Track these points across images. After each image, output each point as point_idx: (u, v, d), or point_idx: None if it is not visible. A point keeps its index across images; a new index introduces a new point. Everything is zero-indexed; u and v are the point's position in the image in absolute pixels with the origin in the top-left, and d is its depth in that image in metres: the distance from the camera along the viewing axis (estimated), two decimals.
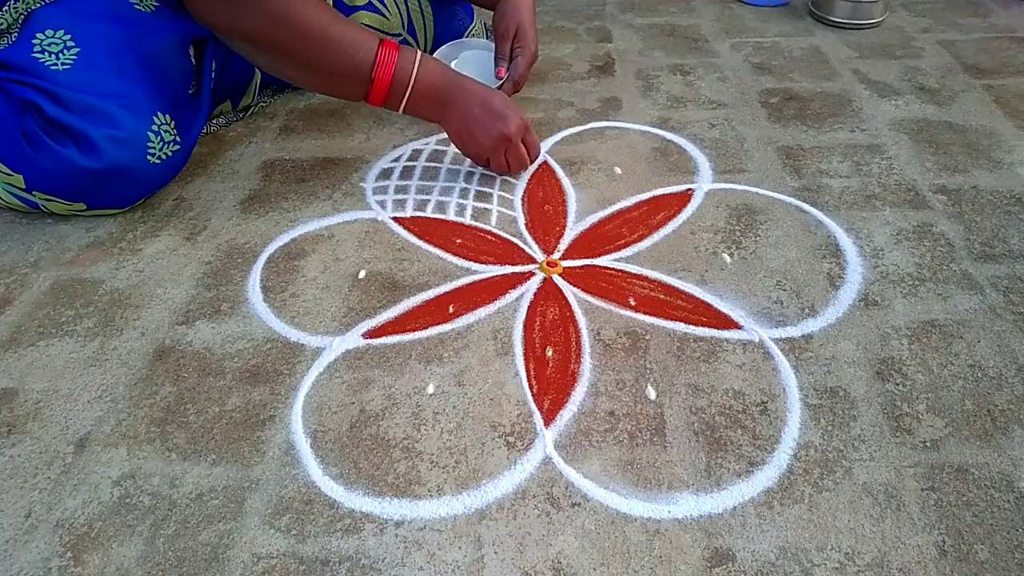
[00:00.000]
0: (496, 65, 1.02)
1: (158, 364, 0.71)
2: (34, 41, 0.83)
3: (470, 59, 1.06)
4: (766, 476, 0.59)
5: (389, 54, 0.82)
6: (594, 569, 0.54)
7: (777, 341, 0.71)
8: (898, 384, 0.66)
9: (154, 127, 0.86)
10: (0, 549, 0.56)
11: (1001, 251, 0.81)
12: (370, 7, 1.12)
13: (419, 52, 0.85)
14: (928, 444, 0.61)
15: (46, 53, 0.83)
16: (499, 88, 0.98)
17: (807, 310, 0.74)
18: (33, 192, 0.85)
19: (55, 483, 0.61)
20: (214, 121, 1.06)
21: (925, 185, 0.91)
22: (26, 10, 0.84)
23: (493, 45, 1.04)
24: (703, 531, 0.56)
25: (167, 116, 0.87)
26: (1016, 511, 0.56)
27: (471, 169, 0.97)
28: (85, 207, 0.88)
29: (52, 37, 0.83)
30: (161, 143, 0.87)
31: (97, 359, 0.72)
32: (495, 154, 0.88)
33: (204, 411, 0.67)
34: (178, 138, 0.89)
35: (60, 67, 0.82)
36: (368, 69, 0.82)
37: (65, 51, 0.83)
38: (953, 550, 0.54)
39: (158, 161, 0.87)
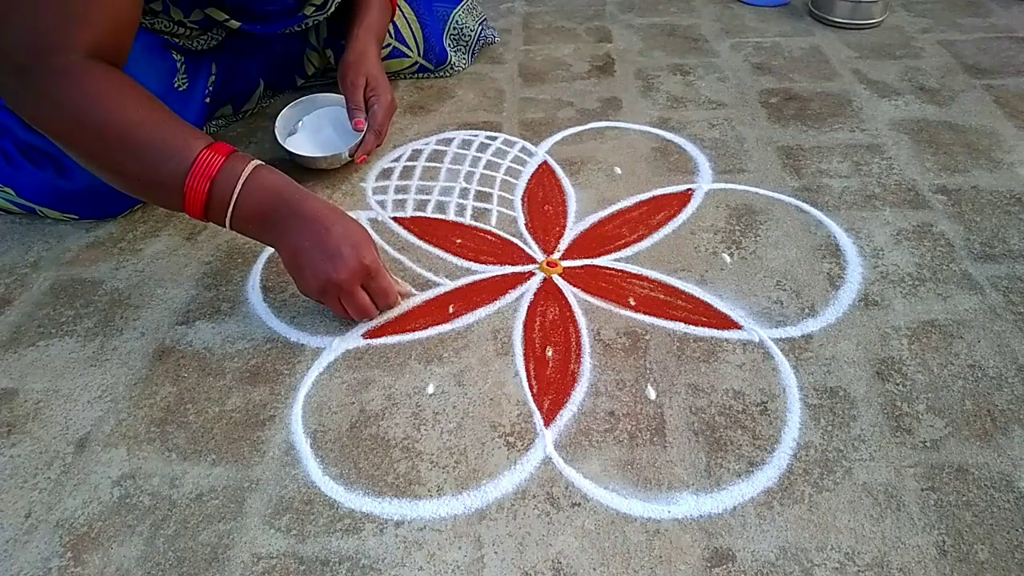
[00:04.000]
0: (352, 117, 0.93)
1: (158, 364, 0.71)
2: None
3: (324, 116, 0.99)
4: (766, 476, 0.59)
5: (210, 164, 0.66)
6: (594, 569, 0.54)
7: (777, 341, 0.71)
8: (898, 384, 0.66)
9: None
10: (0, 549, 0.56)
11: (1001, 251, 0.81)
12: (395, 54, 1.12)
13: (255, 164, 0.68)
14: (928, 444, 0.61)
15: None
16: (362, 139, 0.92)
17: (807, 310, 0.74)
18: (25, 201, 0.85)
19: (55, 483, 0.61)
20: (214, 122, 1.06)
21: (925, 185, 0.91)
22: None
23: (343, 97, 0.96)
24: (703, 531, 0.56)
25: None
26: (1016, 511, 0.56)
27: (471, 169, 0.97)
28: (78, 217, 0.88)
29: None
30: None
31: (97, 359, 0.72)
32: (326, 300, 0.72)
33: (204, 411, 0.67)
34: None
35: None
36: (181, 179, 0.66)
37: None
38: (953, 550, 0.54)
39: None
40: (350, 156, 0.93)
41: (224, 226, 0.69)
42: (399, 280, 0.76)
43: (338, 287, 0.70)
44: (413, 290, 0.78)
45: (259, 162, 0.69)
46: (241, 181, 0.67)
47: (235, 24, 0.90)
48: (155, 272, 0.82)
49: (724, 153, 0.98)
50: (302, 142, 0.96)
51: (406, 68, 1.15)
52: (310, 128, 0.98)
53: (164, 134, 0.66)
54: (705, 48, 1.26)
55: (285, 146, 0.93)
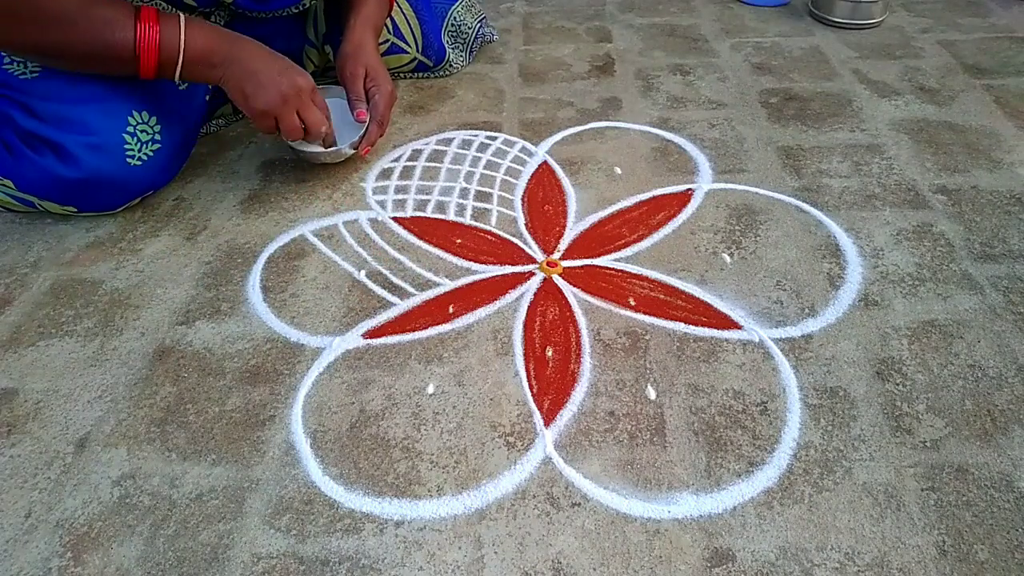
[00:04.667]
0: (354, 108, 0.94)
1: (158, 364, 0.71)
2: (2, 53, 0.81)
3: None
4: (766, 476, 0.59)
5: (150, 29, 0.76)
6: (594, 569, 0.54)
7: (777, 341, 0.71)
8: (898, 384, 0.66)
9: (129, 128, 0.84)
10: (0, 549, 0.56)
11: (1001, 251, 0.81)
12: (394, 50, 1.12)
13: (182, 17, 0.79)
14: (928, 444, 0.61)
15: (14, 63, 0.82)
16: (365, 130, 0.93)
17: (807, 310, 0.74)
18: (25, 193, 0.85)
19: (55, 483, 0.61)
20: (214, 121, 1.06)
21: (925, 185, 0.91)
22: None
23: (343, 91, 0.96)
24: (703, 531, 0.56)
25: (144, 114, 0.85)
26: (1016, 511, 0.56)
27: (471, 169, 0.97)
28: (76, 210, 0.88)
29: None
30: (138, 144, 0.85)
31: (97, 359, 0.72)
32: (285, 110, 0.83)
33: (204, 411, 0.67)
34: (158, 136, 0.87)
35: (29, 75, 0.82)
36: (130, 47, 0.76)
37: None
38: (953, 550, 0.54)
39: (138, 163, 0.86)
40: (353, 149, 0.93)
41: (174, 78, 0.80)
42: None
43: (298, 95, 0.82)
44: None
45: (186, 16, 0.79)
46: (182, 35, 0.78)
47: None
48: (155, 272, 0.82)
49: (724, 153, 0.98)
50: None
51: (405, 65, 1.15)
52: None
53: (101, 8, 0.75)
54: (705, 48, 1.26)
55: (287, 142, 0.93)
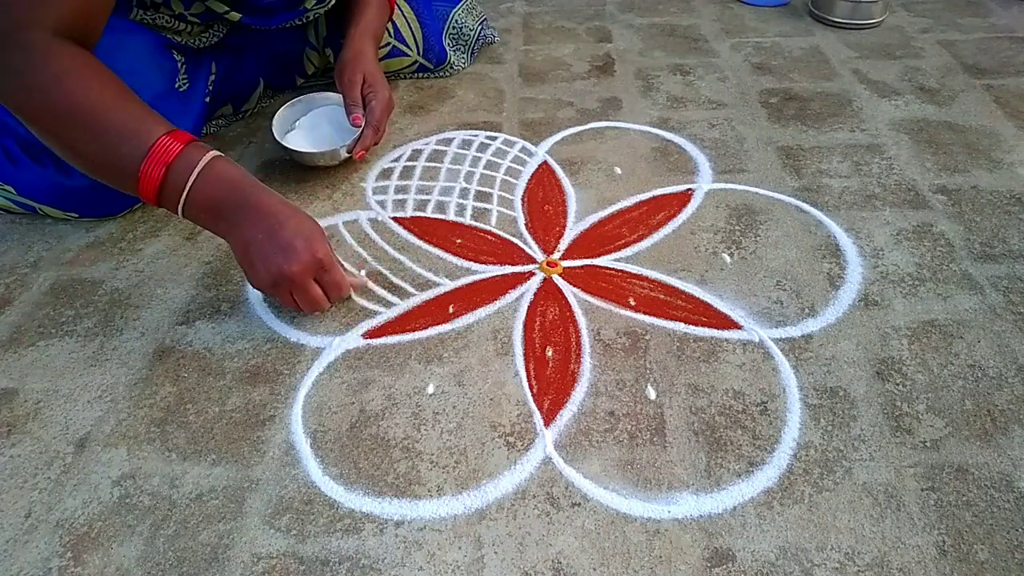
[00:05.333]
0: (350, 113, 0.93)
1: (158, 364, 0.71)
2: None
3: (321, 115, 0.99)
4: (766, 476, 0.59)
5: (167, 149, 0.67)
6: (594, 569, 0.54)
7: (777, 341, 0.71)
8: (898, 384, 0.66)
9: None
10: (0, 549, 0.56)
11: (1001, 251, 0.81)
12: (394, 53, 1.12)
13: (214, 155, 0.69)
14: (928, 444, 0.61)
15: None
16: (360, 135, 0.92)
17: (807, 310, 0.74)
18: (25, 199, 0.85)
19: (55, 483, 0.61)
20: (214, 122, 1.06)
21: (925, 185, 0.91)
22: None
23: (342, 98, 0.96)
24: (703, 531, 0.56)
25: None
26: (1016, 511, 0.56)
27: (471, 169, 0.97)
28: (78, 216, 0.88)
29: None
30: None
31: (97, 359, 0.72)
32: (277, 293, 0.72)
33: (204, 411, 0.67)
34: None
35: None
36: (137, 162, 0.66)
37: None
38: (953, 550, 0.54)
39: None
40: (348, 153, 0.93)
41: (177, 213, 0.70)
42: (353, 271, 0.78)
43: (291, 280, 0.70)
44: (366, 280, 0.79)
45: (219, 153, 0.70)
46: (198, 169, 0.68)
47: (236, 16, 0.90)
48: (155, 272, 0.82)
49: (724, 153, 0.98)
50: (300, 140, 0.96)
51: (406, 67, 1.15)
52: (308, 126, 0.98)
53: (126, 117, 0.67)
54: (705, 48, 1.26)
55: (282, 143, 0.93)
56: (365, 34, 0.98)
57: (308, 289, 0.71)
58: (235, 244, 0.70)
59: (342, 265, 0.75)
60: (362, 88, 0.95)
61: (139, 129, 0.67)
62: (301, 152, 0.92)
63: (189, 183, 0.67)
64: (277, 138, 0.93)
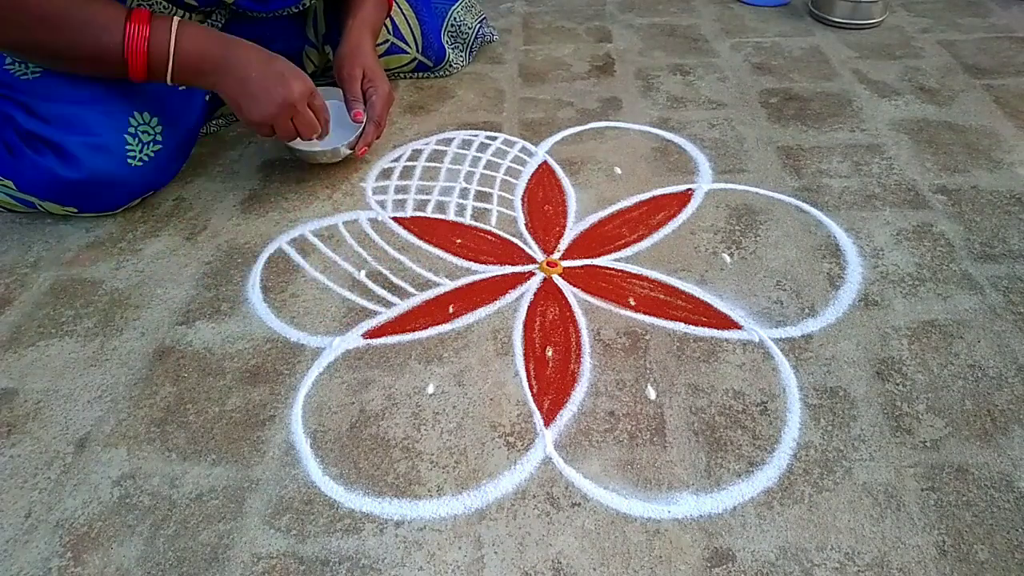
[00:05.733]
0: (351, 109, 0.94)
1: (158, 364, 0.71)
2: (4, 53, 0.82)
3: None
4: (766, 476, 0.59)
5: (139, 29, 0.75)
6: (594, 569, 0.54)
7: (777, 341, 0.71)
8: (898, 384, 0.66)
9: (130, 129, 0.84)
10: (0, 549, 0.56)
11: (1001, 251, 0.81)
12: (393, 50, 1.12)
13: (175, 20, 0.78)
14: (928, 444, 0.61)
15: (16, 64, 0.82)
16: (362, 131, 0.93)
17: (807, 310, 0.74)
18: (25, 194, 0.85)
19: (55, 483, 0.61)
20: (214, 122, 1.06)
21: (925, 185, 0.91)
22: None
23: (341, 92, 0.96)
24: (703, 531, 0.56)
25: (146, 115, 0.86)
26: (1016, 511, 0.56)
27: (471, 169, 0.97)
28: (77, 211, 0.88)
29: None
30: (139, 144, 0.85)
31: (97, 359, 0.72)
32: (279, 120, 0.82)
33: (204, 411, 0.67)
34: (159, 137, 0.87)
35: (30, 76, 0.81)
36: (119, 50, 0.75)
37: None
38: (953, 550, 0.54)
39: (139, 163, 0.86)
40: (350, 149, 0.93)
41: (166, 81, 0.79)
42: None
43: (291, 105, 0.81)
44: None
45: (178, 18, 0.78)
46: (173, 37, 0.76)
47: None
48: (155, 272, 0.82)
49: (724, 153, 0.98)
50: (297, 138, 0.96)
51: (405, 65, 1.15)
52: None
53: (93, 9, 0.75)
54: (705, 48, 1.26)
55: (285, 142, 0.93)
56: (363, 27, 0.98)
57: (306, 113, 0.83)
58: (229, 87, 0.80)
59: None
60: (362, 83, 0.95)
61: (107, 16, 0.75)
62: (304, 150, 0.92)
63: (171, 52, 0.76)
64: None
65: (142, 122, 0.85)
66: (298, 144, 0.92)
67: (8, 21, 0.73)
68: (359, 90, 0.94)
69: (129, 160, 0.85)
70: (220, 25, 0.96)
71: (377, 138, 0.96)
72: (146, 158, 0.86)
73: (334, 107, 0.97)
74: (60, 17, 0.73)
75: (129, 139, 0.84)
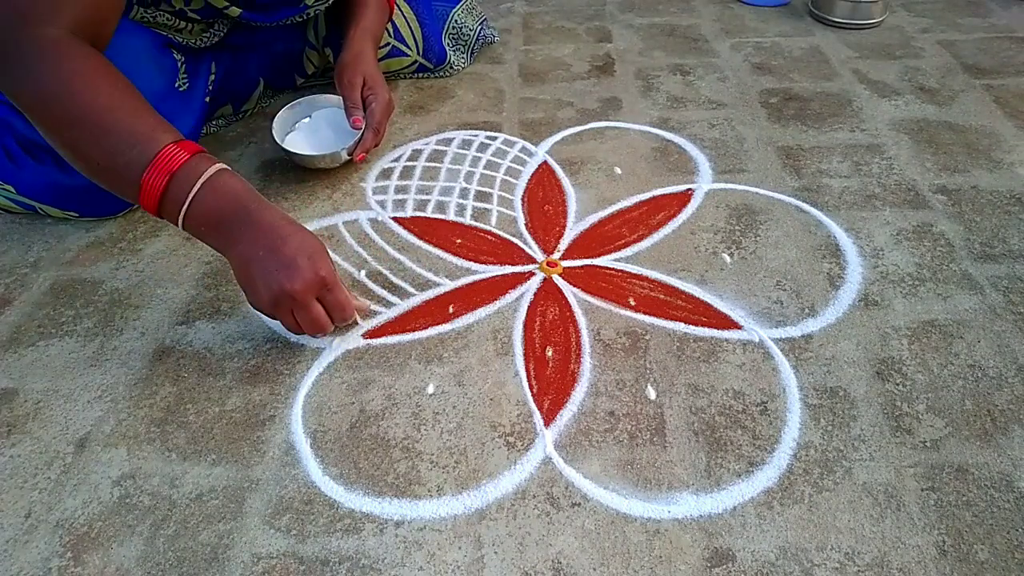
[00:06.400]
0: (350, 116, 0.93)
1: (158, 364, 0.71)
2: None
3: (322, 117, 0.99)
4: (766, 476, 0.59)
5: (173, 158, 0.64)
6: (594, 569, 0.54)
7: (777, 341, 0.71)
8: (898, 384, 0.66)
9: None
10: (0, 549, 0.56)
11: (1001, 251, 0.81)
12: (394, 53, 1.12)
13: (221, 168, 0.67)
14: (928, 444, 0.61)
15: None
16: (360, 137, 0.92)
17: (807, 310, 0.74)
18: (25, 198, 0.85)
19: (55, 483, 0.61)
20: (214, 122, 1.06)
21: (925, 185, 0.91)
22: None
23: (342, 100, 0.95)
24: (703, 531, 0.56)
25: None
26: (1016, 511, 0.56)
27: (471, 169, 0.97)
28: (77, 215, 0.88)
29: None
30: None
31: (97, 359, 0.72)
32: (278, 311, 0.68)
33: (204, 411, 0.67)
34: None
35: None
36: (140, 170, 0.64)
37: None
38: (953, 550, 0.54)
39: None
40: (349, 155, 0.93)
41: (177, 225, 0.66)
42: (357, 296, 0.74)
43: (292, 298, 0.66)
44: (371, 305, 0.76)
45: (225, 166, 0.67)
46: (201, 181, 0.65)
47: (236, 11, 0.89)
48: (155, 272, 0.82)
49: (724, 153, 0.98)
50: (300, 142, 0.96)
51: (406, 67, 1.15)
52: (308, 129, 0.98)
53: (133, 122, 0.65)
54: (705, 48, 1.26)
55: (283, 145, 0.93)
56: (365, 35, 0.98)
57: (310, 308, 0.67)
58: (235, 260, 0.67)
59: (346, 288, 0.71)
60: (362, 90, 0.95)
61: (146, 135, 0.65)
62: (301, 155, 0.92)
63: (191, 194, 0.65)
64: (277, 140, 0.93)
65: None
66: (297, 149, 0.92)
67: (47, 104, 0.65)
68: (359, 97, 0.94)
69: None
70: (223, 34, 0.96)
71: (375, 145, 0.96)
72: None
73: (334, 113, 0.98)
74: (99, 117, 0.64)
75: None
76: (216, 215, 0.66)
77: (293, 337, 0.73)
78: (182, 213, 0.66)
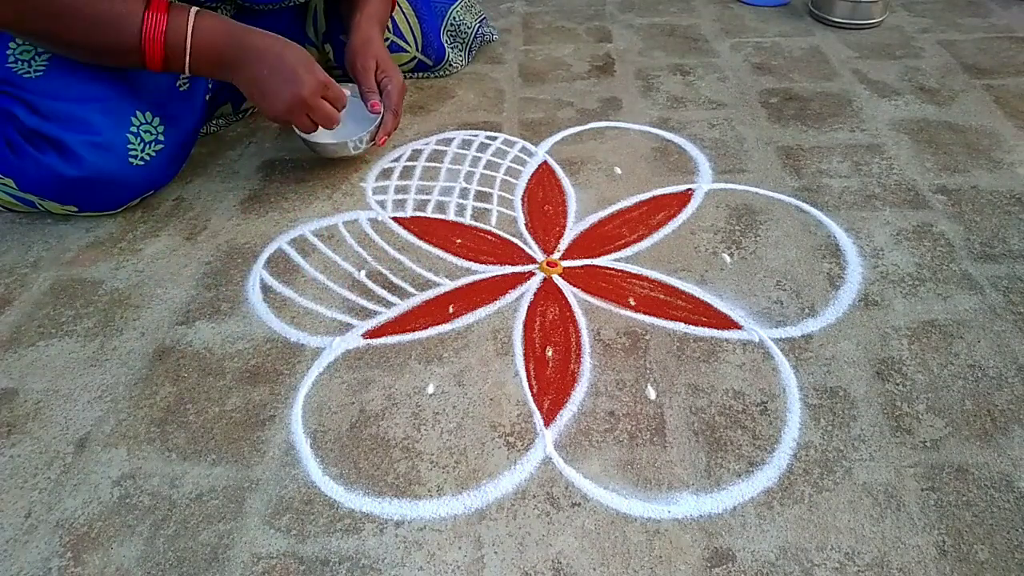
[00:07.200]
0: (367, 100, 0.94)
1: (158, 364, 0.71)
2: (7, 51, 0.82)
3: None
4: (766, 476, 0.59)
5: (157, 19, 0.76)
6: (594, 569, 0.54)
7: (777, 341, 0.71)
8: (898, 384, 0.66)
9: (132, 128, 0.84)
10: (0, 549, 0.56)
11: (1001, 251, 0.81)
12: (393, 49, 1.12)
13: (193, 10, 0.78)
14: (928, 444, 0.61)
15: (19, 62, 0.82)
16: (380, 121, 0.93)
17: (807, 310, 0.74)
18: (26, 193, 0.85)
19: (55, 483, 0.61)
20: (214, 122, 1.06)
21: (925, 185, 0.91)
22: None
23: (354, 85, 0.97)
24: (703, 531, 0.56)
25: (148, 115, 0.86)
26: (1016, 511, 0.56)
27: (471, 169, 0.97)
28: (77, 209, 0.88)
29: (23, 44, 0.82)
30: (141, 144, 0.85)
31: (97, 359, 0.72)
32: (294, 117, 0.85)
33: (204, 411, 0.67)
34: (161, 137, 0.87)
35: (33, 74, 0.82)
36: (136, 41, 0.76)
37: (36, 57, 0.82)
38: (953, 550, 0.54)
39: (140, 163, 0.86)
40: (371, 140, 0.93)
41: (184, 72, 0.80)
42: (343, 86, 0.90)
43: (304, 102, 0.82)
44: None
45: (197, 8, 0.78)
46: (190, 28, 0.77)
47: None
48: (155, 272, 0.82)
49: (724, 153, 0.98)
50: (319, 132, 0.96)
51: (405, 64, 1.15)
52: None
53: (109, 2, 0.75)
54: (705, 48, 1.26)
55: (303, 137, 0.92)
56: (371, 21, 0.99)
57: (321, 107, 0.84)
58: (244, 84, 0.82)
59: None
60: (376, 74, 0.96)
61: (124, 9, 0.75)
62: (324, 144, 0.92)
63: (188, 45, 0.77)
64: (296, 131, 0.93)
65: (144, 121, 0.85)
66: (315, 138, 0.92)
67: (26, 11, 0.74)
68: (374, 82, 0.95)
69: (131, 159, 0.85)
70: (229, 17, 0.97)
71: (395, 128, 0.96)
72: (147, 158, 0.86)
73: (350, 102, 0.97)
74: (79, 8, 0.74)
75: (131, 138, 0.84)
76: (214, 52, 0.79)
77: (293, 337, 0.73)
78: (187, 63, 0.79)
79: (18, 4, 0.73)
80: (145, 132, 0.85)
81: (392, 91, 0.94)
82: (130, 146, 0.84)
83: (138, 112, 0.85)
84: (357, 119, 0.95)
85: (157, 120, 0.87)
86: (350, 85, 0.96)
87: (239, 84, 0.83)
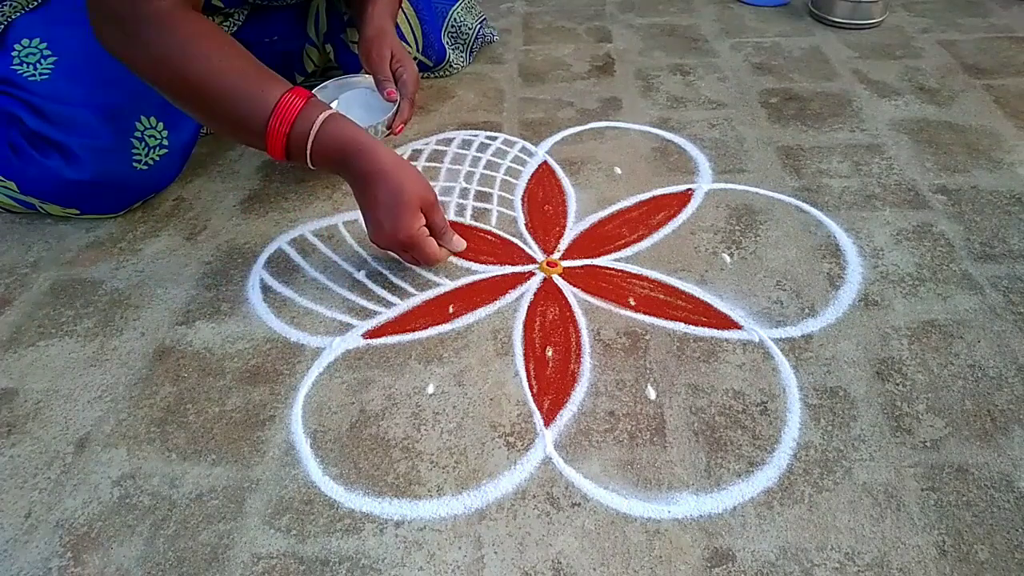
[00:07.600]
0: (383, 88, 0.94)
1: (158, 364, 0.71)
2: (13, 53, 0.82)
3: (352, 99, 0.99)
4: (766, 476, 0.59)
5: (290, 107, 0.71)
6: (594, 569, 0.54)
7: (777, 341, 0.71)
8: (898, 384, 0.66)
9: (137, 133, 0.85)
10: (0, 549, 0.56)
11: (1001, 251, 0.81)
12: None
13: (329, 114, 0.73)
14: (928, 444, 0.61)
15: (24, 64, 0.82)
16: (397, 108, 0.93)
17: (807, 310, 0.74)
18: (27, 196, 0.85)
19: (55, 483, 0.61)
20: None
21: (925, 185, 0.91)
22: (6, 20, 0.83)
23: (370, 78, 0.96)
24: (703, 531, 0.56)
25: (152, 119, 0.86)
26: (1016, 511, 0.56)
27: (471, 169, 0.97)
28: (79, 212, 0.88)
29: (29, 47, 0.82)
30: (146, 148, 0.86)
31: (97, 359, 0.72)
32: (396, 251, 0.78)
33: (204, 411, 0.67)
34: (165, 141, 0.88)
35: (38, 77, 0.82)
36: (263, 122, 0.70)
37: (42, 60, 0.82)
38: (953, 550, 0.54)
39: (145, 167, 0.86)
40: (387, 128, 0.93)
41: (308, 165, 0.74)
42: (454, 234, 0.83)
43: (412, 241, 0.75)
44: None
45: (332, 110, 0.74)
46: (316, 126, 0.72)
47: None
48: (155, 272, 0.82)
49: (724, 153, 0.98)
50: None
51: None
52: (340, 110, 0.98)
53: (246, 80, 0.71)
54: (705, 48, 1.26)
55: None
56: (384, 13, 0.99)
57: (427, 247, 0.76)
58: (357, 199, 0.76)
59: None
60: (391, 63, 0.96)
61: (260, 90, 0.71)
62: None
63: (310, 141, 0.72)
64: None
65: (149, 126, 0.86)
66: None
67: (166, 74, 0.70)
68: (389, 71, 0.95)
69: (135, 164, 0.85)
70: (240, 23, 0.97)
71: (411, 116, 0.96)
72: (151, 162, 0.87)
73: (362, 93, 0.98)
74: (212, 81, 0.70)
75: (136, 143, 0.85)
76: (336, 155, 0.73)
77: (293, 337, 0.73)
78: (308, 156, 0.73)
79: (154, 60, 0.69)
80: (149, 137, 0.86)
81: (408, 80, 0.95)
82: (134, 151, 0.85)
83: (143, 117, 0.85)
84: (372, 109, 0.95)
85: (161, 125, 0.87)
86: (363, 76, 0.97)
87: (356, 196, 0.76)
